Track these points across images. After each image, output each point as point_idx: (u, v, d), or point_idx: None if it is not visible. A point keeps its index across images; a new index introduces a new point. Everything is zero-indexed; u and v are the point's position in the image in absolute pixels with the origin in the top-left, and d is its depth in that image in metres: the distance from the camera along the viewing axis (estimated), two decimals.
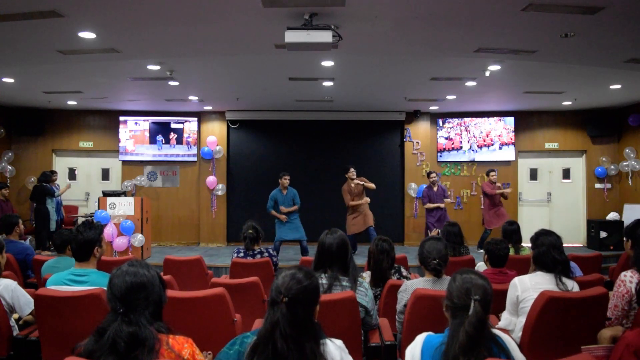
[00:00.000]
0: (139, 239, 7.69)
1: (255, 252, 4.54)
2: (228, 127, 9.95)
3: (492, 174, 8.44)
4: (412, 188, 9.73)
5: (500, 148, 9.85)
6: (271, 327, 1.56)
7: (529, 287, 2.76)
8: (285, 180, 7.57)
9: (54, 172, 8.80)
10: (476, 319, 1.73)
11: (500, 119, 9.85)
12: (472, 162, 9.94)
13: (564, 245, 2.97)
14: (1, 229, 4.76)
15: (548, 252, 2.83)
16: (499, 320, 3.00)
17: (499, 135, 9.86)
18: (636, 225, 3.49)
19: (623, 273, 2.82)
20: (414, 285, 2.84)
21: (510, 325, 2.83)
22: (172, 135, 9.87)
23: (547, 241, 2.88)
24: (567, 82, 7.26)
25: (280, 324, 1.54)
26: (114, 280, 1.74)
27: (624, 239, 3.60)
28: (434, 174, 8.32)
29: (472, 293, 1.79)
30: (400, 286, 2.96)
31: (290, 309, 1.56)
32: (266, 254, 4.53)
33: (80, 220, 6.48)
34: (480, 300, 1.77)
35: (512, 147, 9.81)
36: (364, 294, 2.78)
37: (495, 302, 3.00)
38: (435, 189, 8.25)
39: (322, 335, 1.65)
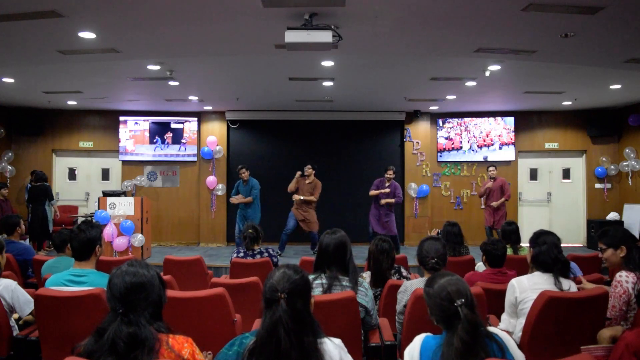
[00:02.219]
0: (139, 239, 7.69)
1: (255, 252, 4.54)
2: (228, 127, 9.95)
3: (490, 169, 8.32)
4: (412, 188, 9.73)
5: (500, 148, 9.85)
6: (273, 326, 1.57)
7: (527, 288, 2.76)
8: (241, 174, 8.05)
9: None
10: (468, 323, 1.72)
11: (500, 119, 9.85)
12: (472, 162, 9.94)
13: (564, 245, 2.98)
14: (2, 229, 4.78)
15: (550, 250, 2.83)
16: (499, 321, 3.00)
17: (499, 135, 9.85)
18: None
19: (618, 273, 2.83)
20: (413, 285, 2.84)
21: (509, 328, 2.82)
22: (169, 134, 9.86)
23: (548, 240, 2.89)
24: (567, 82, 7.26)
25: (282, 320, 1.56)
26: (114, 280, 1.74)
27: None
28: (390, 171, 7.88)
29: (454, 298, 1.78)
30: (400, 286, 2.96)
31: (289, 304, 1.60)
32: (266, 254, 4.53)
33: (81, 220, 6.47)
34: (464, 302, 1.76)
35: (512, 147, 9.81)
36: (364, 293, 2.78)
37: (496, 302, 3.02)
38: (387, 184, 7.89)
39: (321, 334, 1.67)
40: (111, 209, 7.72)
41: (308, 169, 8.10)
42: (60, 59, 5.84)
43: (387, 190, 7.88)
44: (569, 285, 2.80)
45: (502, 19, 4.55)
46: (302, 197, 8.06)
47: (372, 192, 8.01)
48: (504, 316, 2.91)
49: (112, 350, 1.60)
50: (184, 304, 2.73)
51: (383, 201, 7.84)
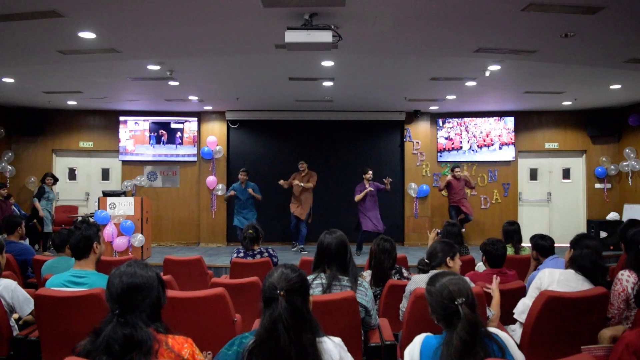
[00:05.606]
0: (139, 239, 7.69)
1: (255, 252, 4.54)
2: (228, 127, 9.94)
3: (456, 169, 8.75)
4: (412, 188, 9.73)
5: (500, 148, 9.85)
6: (272, 324, 1.58)
7: (556, 280, 2.82)
8: (240, 175, 8.40)
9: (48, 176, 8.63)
10: (467, 322, 1.73)
11: (500, 119, 9.85)
12: (472, 162, 9.94)
13: (564, 245, 3.01)
14: (3, 229, 4.79)
15: (591, 255, 2.91)
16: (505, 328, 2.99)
17: (499, 135, 9.85)
18: (627, 227, 3.52)
19: (620, 272, 2.85)
20: (423, 280, 2.84)
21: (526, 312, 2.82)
22: (164, 133, 9.88)
23: (591, 244, 2.98)
24: (567, 82, 7.26)
25: (282, 317, 1.58)
26: (112, 281, 1.74)
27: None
28: (369, 173, 8.17)
29: (455, 297, 1.79)
30: (400, 286, 2.97)
31: (289, 302, 1.62)
32: (266, 254, 4.53)
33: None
34: (465, 301, 1.77)
35: (512, 147, 9.81)
36: (364, 293, 2.78)
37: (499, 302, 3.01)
38: (368, 185, 8.15)
39: (320, 333, 1.68)
40: (111, 209, 7.71)
41: (302, 165, 8.68)
42: (60, 59, 5.84)
43: (371, 189, 8.12)
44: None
45: (502, 19, 4.55)
46: (302, 184, 8.55)
47: (358, 197, 8.13)
48: (526, 300, 2.93)
49: (107, 351, 1.59)
50: (184, 304, 2.73)
51: (360, 196, 8.07)
